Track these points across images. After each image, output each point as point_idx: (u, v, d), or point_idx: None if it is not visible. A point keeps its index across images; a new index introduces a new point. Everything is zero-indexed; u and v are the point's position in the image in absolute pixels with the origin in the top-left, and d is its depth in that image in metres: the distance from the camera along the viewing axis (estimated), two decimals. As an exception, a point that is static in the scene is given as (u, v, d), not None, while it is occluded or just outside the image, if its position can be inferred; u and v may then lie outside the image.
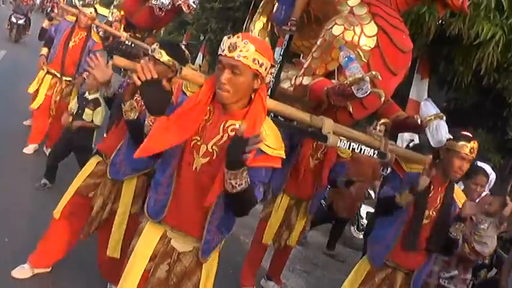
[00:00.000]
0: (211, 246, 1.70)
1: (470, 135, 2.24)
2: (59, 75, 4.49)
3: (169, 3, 6.04)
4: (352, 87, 1.77)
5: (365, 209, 5.44)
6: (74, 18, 4.56)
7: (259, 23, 3.16)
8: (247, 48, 1.46)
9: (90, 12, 4.47)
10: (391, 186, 2.43)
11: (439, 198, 2.35)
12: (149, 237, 1.73)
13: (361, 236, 5.35)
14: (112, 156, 2.40)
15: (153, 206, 1.71)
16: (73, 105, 3.94)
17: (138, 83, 1.56)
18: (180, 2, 6.09)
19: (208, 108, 1.59)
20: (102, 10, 22.66)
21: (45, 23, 5.62)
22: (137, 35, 6.65)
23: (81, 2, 23.16)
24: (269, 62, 1.53)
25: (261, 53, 1.49)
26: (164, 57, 2.21)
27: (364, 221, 5.36)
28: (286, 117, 1.99)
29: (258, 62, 1.49)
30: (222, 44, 1.48)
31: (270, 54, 1.55)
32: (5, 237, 2.95)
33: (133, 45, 5.77)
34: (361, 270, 2.51)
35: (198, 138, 1.59)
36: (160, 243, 1.72)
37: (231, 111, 1.57)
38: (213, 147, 1.57)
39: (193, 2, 6.33)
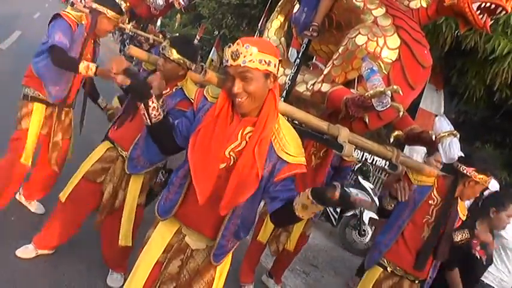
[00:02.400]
0: (225, 251, 1.72)
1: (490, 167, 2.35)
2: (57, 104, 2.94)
3: (163, 4, 6.71)
4: (373, 100, 1.78)
5: (368, 215, 5.46)
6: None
7: (276, 22, 3.13)
8: (250, 52, 1.44)
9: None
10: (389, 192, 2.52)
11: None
12: (165, 229, 1.75)
13: (362, 241, 5.39)
14: (129, 151, 2.41)
15: (163, 204, 1.73)
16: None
17: None
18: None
19: (228, 121, 1.57)
20: None
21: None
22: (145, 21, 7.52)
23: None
24: (276, 58, 1.50)
25: (265, 52, 1.47)
26: (174, 55, 2.22)
27: (367, 227, 5.38)
28: (303, 124, 2.01)
29: (265, 61, 1.46)
30: (224, 55, 1.47)
31: (274, 51, 1.52)
32: (12, 216, 2.98)
33: (135, 34, 6.56)
34: (368, 281, 2.55)
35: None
36: (175, 237, 1.74)
37: (248, 117, 1.56)
38: (231, 153, 1.57)
39: (183, 0, 6.78)
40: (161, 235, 1.75)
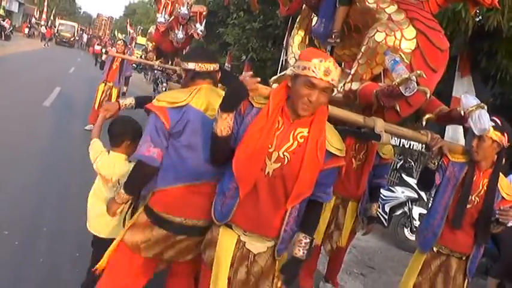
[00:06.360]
0: (286, 245, 1.83)
1: (499, 123, 2.34)
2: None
3: (183, 37, 7.41)
4: (400, 87, 1.92)
5: (417, 211, 5.43)
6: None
7: (297, 37, 3.34)
8: (337, 72, 1.67)
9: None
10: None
11: (481, 184, 2.44)
12: (226, 245, 1.82)
13: (415, 238, 5.34)
14: None
15: (220, 209, 1.82)
16: None
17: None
18: (191, 32, 7.42)
19: (277, 120, 1.74)
20: (141, 40, 24.09)
21: (104, 57, 7.79)
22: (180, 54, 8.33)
23: (124, 36, 24.72)
24: None
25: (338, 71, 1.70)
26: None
27: (417, 223, 5.34)
28: (340, 121, 2.16)
29: (337, 80, 1.70)
30: (313, 66, 1.63)
31: None
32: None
33: (163, 69, 7.48)
34: (417, 261, 2.61)
35: (270, 146, 1.73)
36: (236, 248, 1.82)
37: (299, 120, 1.73)
38: (285, 153, 1.72)
39: (200, 31, 7.37)
40: (225, 252, 1.81)
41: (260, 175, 1.72)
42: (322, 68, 1.64)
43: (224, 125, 1.71)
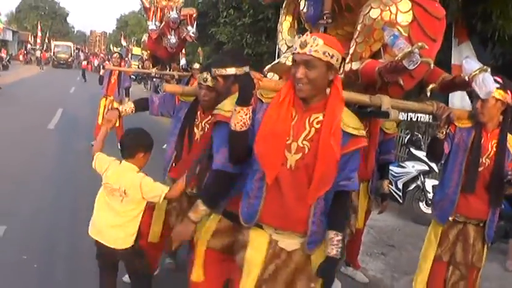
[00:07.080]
0: (317, 238, 1.78)
1: (501, 82, 2.32)
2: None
3: (176, 41, 7.44)
4: (403, 61, 1.89)
5: (430, 183, 5.41)
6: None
7: (286, 23, 3.28)
8: (316, 43, 1.60)
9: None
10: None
11: (490, 145, 2.43)
12: (258, 246, 1.80)
13: (431, 211, 5.31)
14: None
15: (246, 210, 1.80)
16: None
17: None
18: (184, 35, 7.40)
19: (291, 111, 1.70)
20: (137, 51, 24.20)
21: (102, 72, 8.09)
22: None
23: (119, 49, 24.94)
24: (339, 53, 1.65)
25: (330, 45, 1.63)
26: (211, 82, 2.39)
27: (431, 195, 5.31)
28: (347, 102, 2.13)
29: (329, 54, 1.61)
30: (294, 44, 1.64)
31: (339, 47, 1.67)
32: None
33: (161, 75, 7.68)
34: (434, 233, 2.61)
35: (288, 138, 1.70)
36: (269, 247, 1.80)
37: (311, 105, 1.70)
38: (304, 142, 1.69)
39: (193, 33, 7.31)
40: (258, 251, 1.79)
41: (282, 169, 1.69)
42: (299, 42, 1.63)
43: (237, 119, 1.69)
